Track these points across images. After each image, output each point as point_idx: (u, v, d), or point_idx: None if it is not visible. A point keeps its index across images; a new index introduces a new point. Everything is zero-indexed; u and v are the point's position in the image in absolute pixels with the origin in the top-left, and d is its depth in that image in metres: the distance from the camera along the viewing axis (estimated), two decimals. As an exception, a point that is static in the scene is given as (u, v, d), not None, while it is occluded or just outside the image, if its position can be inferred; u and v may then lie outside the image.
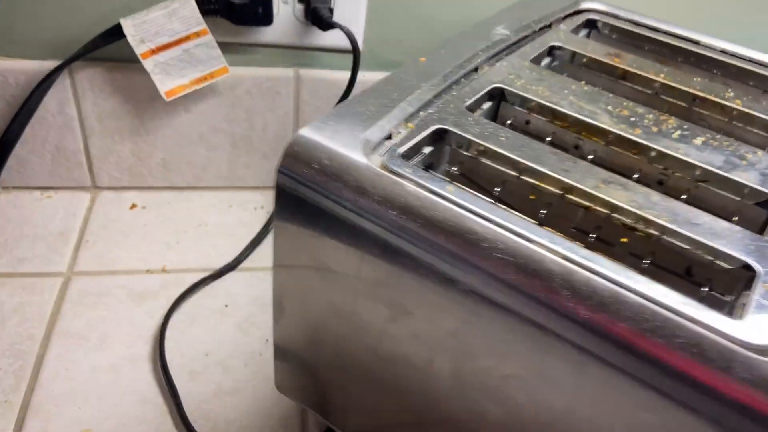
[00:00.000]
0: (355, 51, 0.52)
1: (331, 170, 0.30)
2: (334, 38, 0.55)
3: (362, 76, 0.57)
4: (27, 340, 0.47)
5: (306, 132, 0.31)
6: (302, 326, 0.36)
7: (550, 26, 0.43)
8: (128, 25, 0.49)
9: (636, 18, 0.46)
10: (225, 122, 0.59)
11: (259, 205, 0.63)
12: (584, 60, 0.41)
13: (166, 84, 0.53)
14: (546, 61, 0.41)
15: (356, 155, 0.30)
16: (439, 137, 0.33)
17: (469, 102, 0.34)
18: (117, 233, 0.57)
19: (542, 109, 0.35)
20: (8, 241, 0.55)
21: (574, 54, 0.41)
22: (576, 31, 0.44)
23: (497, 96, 0.36)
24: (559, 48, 0.41)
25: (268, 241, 0.58)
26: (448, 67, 0.36)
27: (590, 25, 0.46)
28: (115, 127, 0.58)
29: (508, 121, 0.37)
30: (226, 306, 0.52)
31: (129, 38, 0.49)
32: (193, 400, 0.45)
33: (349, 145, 0.31)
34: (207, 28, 0.51)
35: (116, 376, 0.46)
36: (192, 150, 0.61)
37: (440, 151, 0.34)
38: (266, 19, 0.51)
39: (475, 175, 0.33)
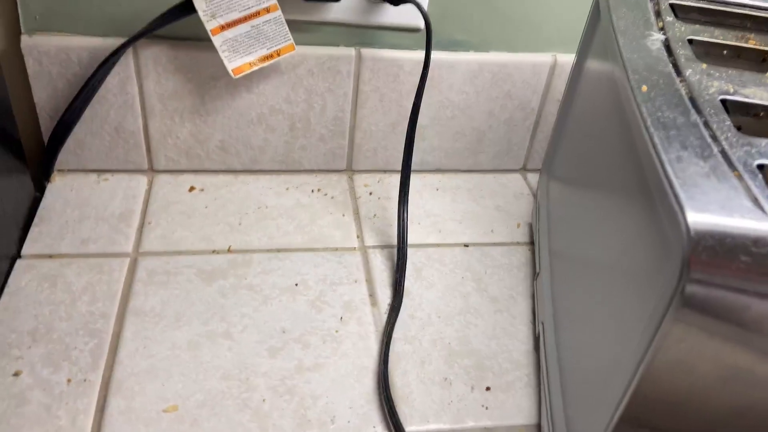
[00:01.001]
0: (428, 28, 0.52)
1: (762, 261, 0.24)
2: (399, 16, 0.55)
3: (421, 55, 0.57)
4: (100, 319, 0.46)
5: (703, 220, 0.25)
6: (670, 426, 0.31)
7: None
8: (200, 0, 0.49)
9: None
10: (285, 103, 0.59)
11: (316, 188, 0.62)
12: (723, 49, 0.40)
13: (234, 61, 0.52)
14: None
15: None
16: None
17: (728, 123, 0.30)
18: (178, 215, 0.57)
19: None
20: (69, 223, 0.54)
21: (709, 44, 0.40)
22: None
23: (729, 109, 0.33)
24: (691, 41, 0.40)
25: (328, 222, 0.57)
26: (671, 92, 0.33)
27: (673, 9, 0.45)
28: (176, 107, 0.57)
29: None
30: (296, 285, 0.51)
31: (200, 13, 0.49)
32: (276, 376, 0.44)
33: (754, 216, 0.25)
34: (277, 3, 0.51)
35: (196, 353, 0.45)
36: (250, 132, 0.60)
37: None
38: (335, -6, 0.51)
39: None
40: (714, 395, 0.29)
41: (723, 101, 0.33)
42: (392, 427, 0.41)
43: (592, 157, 0.44)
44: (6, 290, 0.47)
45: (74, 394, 0.41)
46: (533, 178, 0.67)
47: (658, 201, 0.28)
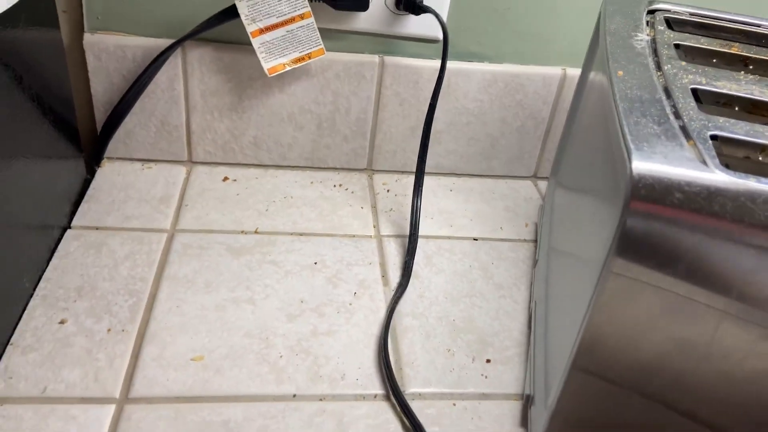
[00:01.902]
0: (445, 36, 0.57)
1: (693, 198, 0.27)
2: (419, 27, 0.61)
3: (439, 64, 0.62)
4: (139, 282, 0.51)
5: (643, 165, 0.28)
6: (619, 369, 0.34)
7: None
8: (243, 6, 0.55)
9: (703, 12, 0.50)
10: (313, 104, 0.65)
11: (338, 183, 0.67)
12: (706, 53, 0.44)
13: (270, 62, 0.58)
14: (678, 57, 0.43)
15: (712, 174, 0.28)
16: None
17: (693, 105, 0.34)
18: (212, 200, 0.62)
19: (740, 102, 0.36)
20: (115, 202, 0.60)
21: (694, 48, 0.44)
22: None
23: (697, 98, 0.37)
24: (678, 45, 0.44)
25: (348, 213, 0.62)
26: (645, 78, 0.37)
27: (668, 22, 0.50)
28: (216, 104, 0.63)
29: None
30: (315, 263, 0.56)
31: (243, 17, 0.55)
32: (293, 338, 0.48)
33: (693, 167, 0.28)
34: (310, 11, 0.57)
35: (222, 314, 0.49)
36: (281, 129, 0.66)
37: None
38: (363, 5, 0.57)
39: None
40: (656, 329, 0.32)
41: (693, 90, 0.37)
42: (389, 384, 0.45)
43: (583, 160, 0.48)
44: (56, 254, 0.53)
45: (113, 342, 0.46)
46: (544, 185, 0.71)
47: (614, 158, 0.32)
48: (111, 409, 0.41)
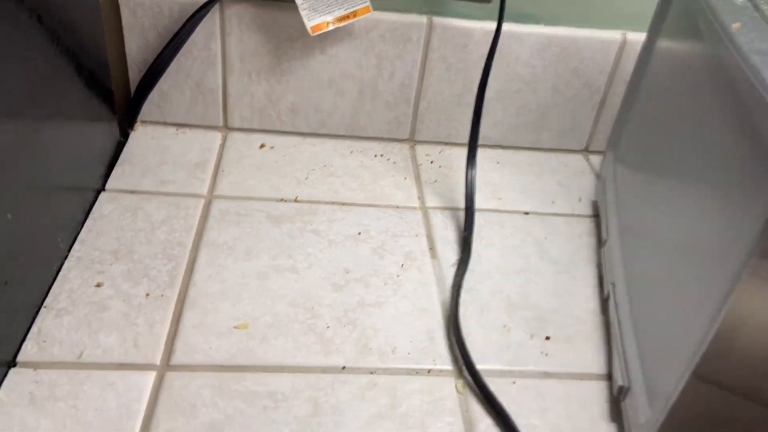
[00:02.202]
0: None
1: None
2: (472, -15, 0.57)
3: (490, 26, 0.58)
4: (177, 246, 0.49)
5: None
6: (751, 380, 0.31)
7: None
8: (287, -42, 0.52)
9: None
10: (356, 67, 0.61)
11: (379, 153, 0.64)
12: None
13: (313, 19, 0.55)
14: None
15: None
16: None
17: None
18: (249, 167, 0.59)
19: None
20: (149, 166, 0.57)
21: None
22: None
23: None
24: None
25: (390, 183, 0.59)
26: (764, 30, 0.34)
27: None
28: (254, 65, 0.60)
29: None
30: (359, 233, 0.53)
31: (287, -30, 0.52)
32: (339, 308, 0.45)
33: None
34: (358, -36, 0.54)
35: (264, 282, 0.47)
36: (321, 94, 0.63)
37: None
38: (414, -42, 0.53)
39: None
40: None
41: None
42: (464, 365, 0.42)
43: (665, 139, 0.44)
44: (90, 216, 0.51)
45: (152, 307, 0.43)
46: (596, 160, 0.67)
47: (758, 125, 0.28)
48: (151, 376, 0.39)
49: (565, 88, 0.64)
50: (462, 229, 0.55)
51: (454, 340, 0.43)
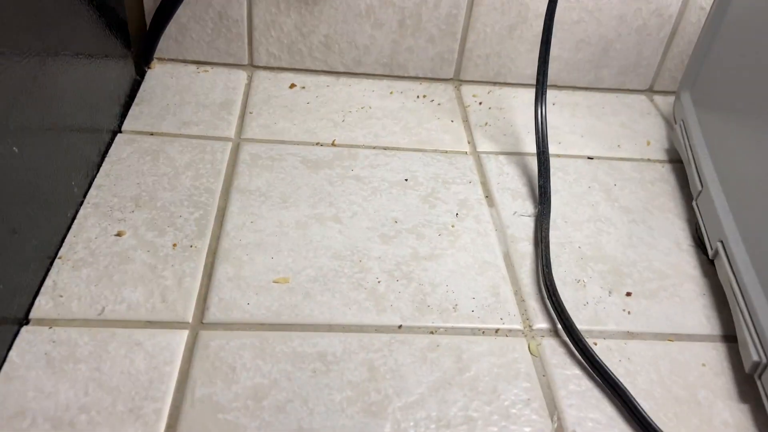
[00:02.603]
0: None
1: None
2: None
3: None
4: (205, 193, 0.44)
5: None
6: None
7: None
8: None
9: None
10: (397, -5, 0.55)
11: (421, 94, 0.58)
12: None
13: (352, -65, 0.48)
14: None
15: None
16: None
17: None
18: (280, 108, 0.53)
19: None
20: (169, 106, 0.52)
21: None
22: None
23: None
24: None
25: (436, 126, 0.53)
26: None
27: None
28: (283, -7, 0.54)
29: None
30: (406, 180, 0.47)
31: None
32: (390, 261, 0.40)
33: None
34: None
35: (305, 232, 0.41)
36: (357, 26, 0.56)
37: None
38: None
39: None
40: None
41: None
42: (564, 329, 0.36)
43: None
44: (107, 159, 0.45)
45: (180, 258, 0.38)
46: (661, 101, 0.60)
47: None
48: (183, 335, 0.34)
49: (633, 16, 0.56)
50: (523, 174, 0.49)
51: (551, 300, 0.38)
